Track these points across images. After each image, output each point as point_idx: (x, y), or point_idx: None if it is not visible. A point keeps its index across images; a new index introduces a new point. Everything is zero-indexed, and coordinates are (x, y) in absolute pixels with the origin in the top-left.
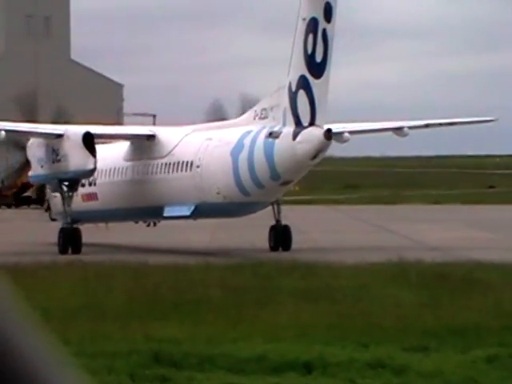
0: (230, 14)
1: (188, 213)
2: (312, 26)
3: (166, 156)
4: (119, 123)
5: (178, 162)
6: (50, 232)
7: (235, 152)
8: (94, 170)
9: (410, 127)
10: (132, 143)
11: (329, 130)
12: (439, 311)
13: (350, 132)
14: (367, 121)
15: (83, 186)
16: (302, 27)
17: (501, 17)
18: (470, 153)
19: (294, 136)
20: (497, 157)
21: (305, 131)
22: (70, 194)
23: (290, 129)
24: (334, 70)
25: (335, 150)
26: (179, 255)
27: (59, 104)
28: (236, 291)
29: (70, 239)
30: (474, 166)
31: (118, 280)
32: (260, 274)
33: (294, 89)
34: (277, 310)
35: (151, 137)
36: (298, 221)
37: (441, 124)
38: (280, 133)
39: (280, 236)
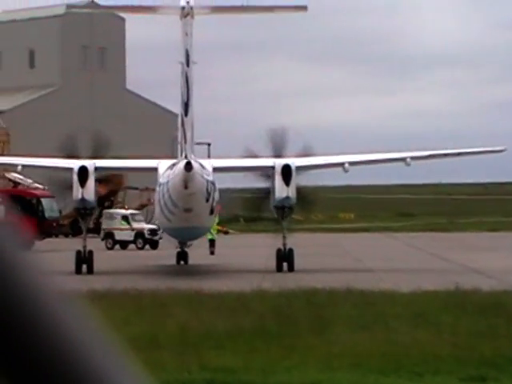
0: (280, 45)
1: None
2: (181, 69)
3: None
4: (174, 152)
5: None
6: (108, 260)
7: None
8: (83, 199)
9: (412, 158)
10: None
11: (188, 163)
12: (497, 340)
13: (352, 163)
14: (392, 151)
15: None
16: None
17: None
18: None
19: (176, 169)
20: None
21: (177, 164)
22: (86, 221)
23: (179, 162)
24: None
25: (390, 177)
26: (234, 281)
27: (100, 139)
28: (290, 319)
29: (83, 261)
30: None
31: (173, 308)
32: (314, 302)
33: (179, 126)
34: (331, 338)
35: (155, 169)
36: (354, 248)
37: (446, 155)
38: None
39: (284, 257)
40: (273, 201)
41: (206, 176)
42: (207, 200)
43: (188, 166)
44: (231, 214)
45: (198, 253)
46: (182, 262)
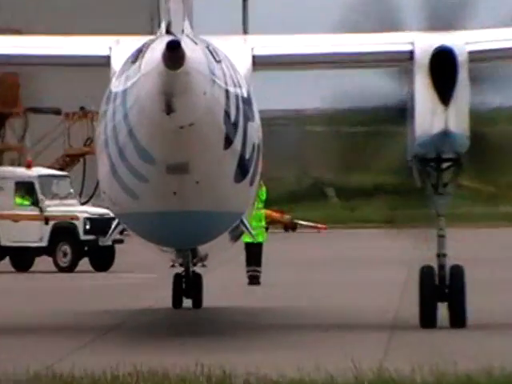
0: None
1: None
2: None
3: None
4: (154, 26)
5: None
6: None
7: None
8: None
9: None
10: None
11: (172, 44)
12: None
13: None
14: None
15: None
16: None
17: None
18: None
19: (145, 61)
20: None
21: (149, 49)
22: None
23: (152, 43)
24: None
25: None
26: (310, 353)
27: None
28: None
29: None
30: None
31: None
32: None
33: None
34: None
35: (105, 60)
36: None
37: None
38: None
39: (440, 290)
40: (411, 144)
41: (221, 80)
42: (229, 142)
43: (172, 54)
44: (303, 179)
45: (221, 278)
46: (184, 301)
